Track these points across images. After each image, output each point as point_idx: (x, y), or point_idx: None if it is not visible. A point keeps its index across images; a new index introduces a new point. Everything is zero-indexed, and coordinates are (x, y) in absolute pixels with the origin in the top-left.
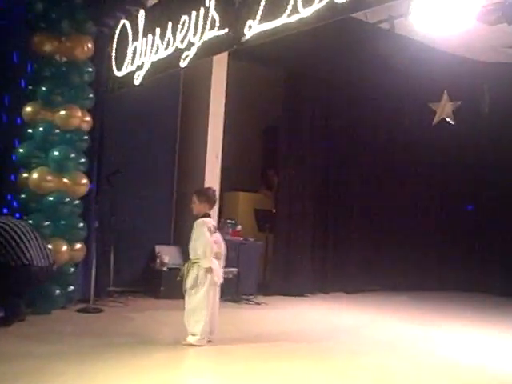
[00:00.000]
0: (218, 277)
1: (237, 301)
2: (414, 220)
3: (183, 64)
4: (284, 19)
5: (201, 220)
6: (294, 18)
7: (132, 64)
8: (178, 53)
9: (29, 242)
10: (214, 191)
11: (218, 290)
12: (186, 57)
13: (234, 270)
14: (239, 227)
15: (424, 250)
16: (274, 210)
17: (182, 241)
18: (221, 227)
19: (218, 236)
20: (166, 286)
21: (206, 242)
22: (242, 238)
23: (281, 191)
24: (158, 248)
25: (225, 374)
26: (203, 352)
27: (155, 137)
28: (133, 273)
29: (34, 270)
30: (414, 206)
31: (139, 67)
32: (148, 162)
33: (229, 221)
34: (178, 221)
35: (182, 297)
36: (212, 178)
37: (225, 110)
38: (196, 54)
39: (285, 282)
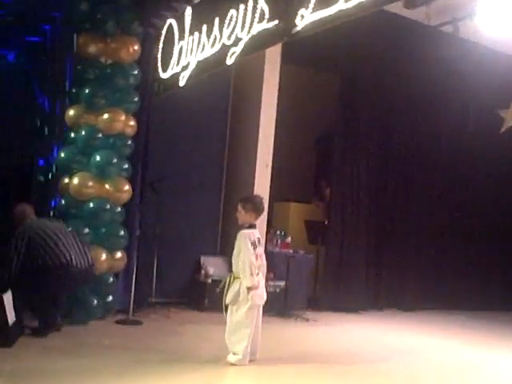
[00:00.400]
0: (260, 297)
1: (284, 316)
2: (477, 236)
3: (230, 61)
4: (340, 5)
5: (245, 232)
6: (352, 3)
7: (178, 65)
8: (225, 50)
9: (67, 242)
10: (262, 199)
11: (260, 309)
12: (233, 53)
13: (283, 283)
14: (289, 239)
15: (487, 267)
16: (326, 222)
17: (228, 252)
18: (270, 239)
19: (261, 250)
20: (210, 298)
21: (248, 259)
22: (291, 251)
23: (334, 202)
24: (203, 259)
25: None
26: (244, 372)
27: (203, 143)
28: (176, 284)
29: (73, 271)
30: (477, 221)
31: (185, 67)
32: (194, 169)
33: (278, 232)
34: (225, 231)
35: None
36: (262, 188)
37: (276, 118)
38: (243, 49)
39: (336, 297)
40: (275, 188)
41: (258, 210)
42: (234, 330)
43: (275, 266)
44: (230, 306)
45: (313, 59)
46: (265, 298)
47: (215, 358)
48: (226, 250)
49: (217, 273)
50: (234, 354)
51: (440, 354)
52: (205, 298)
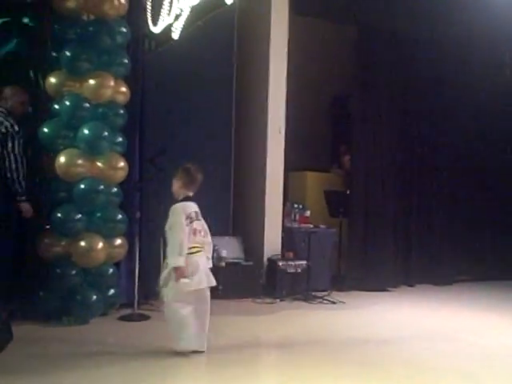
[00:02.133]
0: (198, 282)
1: (308, 299)
2: None
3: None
4: None
5: (178, 205)
6: None
7: (169, 14)
8: None
9: None
10: (195, 168)
11: (207, 292)
12: None
13: (304, 263)
14: (308, 212)
15: None
16: (348, 192)
17: (242, 231)
18: (286, 213)
19: (202, 224)
20: (224, 284)
21: (178, 236)
22: (311, 226)
23: (355, 170)
24: (214, 240)
25: None
26: (266, 363)
27: (206, 108)
28: None
29: None
30: None
31: (177, 16)
32: (199, 139)
33: (296, 205)
34: (238, 208)
35: (243, 297)
36: (275, 156)
37: (287, 76)
38: None
39: (363, 274)
40: (289, 156)
41: (191, 181)
42: (168, 315)
43: (294, 243)
44: (163, 290)
45: (326, 9)
46: (208, 282)
47: (239, 357)
48: (239, 229)
49: (231, 255)
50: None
51: (486, 337)
52: (218, 283)
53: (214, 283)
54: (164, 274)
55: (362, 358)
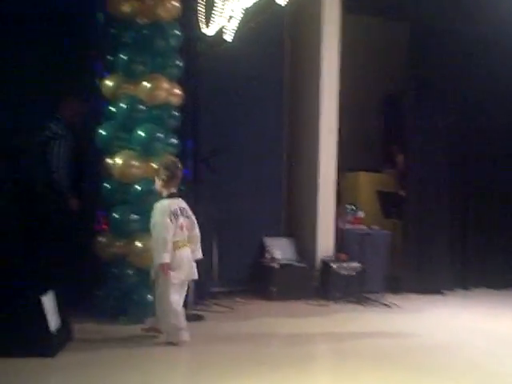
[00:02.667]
0: (178, 277)
1: (362, 302)
2: None
3: (281, 0)
4: None
5: (161, 202)
6: None
7: (222, 16)
8: None
9: None
10: (175, 163)
11: (186, 286)
12: None
13: (357, 265)
14: (361, 213)
15: None
16: (402, 192)
17: (295, 233)
18: (339, 214)
19: (187, 221)
20: (278, 285)
21: (161, 234)
22: (365, 227)
23: (409, 170)
24: (267, 241)
25: None
26: (319, 365)
27: (258, 109)
28: (239, 270)
29: None
30: None
31: (230, 18)
32: (252, 140)
33: (348, 206)
34: (290, 208)
35: (297, 298)
36: (327, 157)
37: (339, 76)
38: None
39: (418, 276)
40: (342, 156)
41: (171, 177)
42: (157, 307)
43: (348, 245)
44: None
45: (378, 6)
46: (190, 275)
47: (291, 360)
48: (292, 230)
49: (284, 256)
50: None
51: None
52: (272, 285)
53: (195, 276)
54: (154, 269)
55: (419, 363)
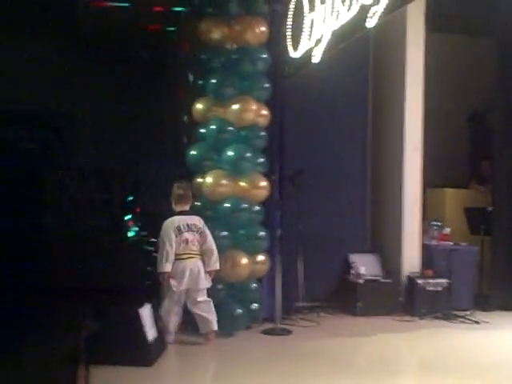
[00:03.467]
0: (178, 284)
1: (449, 318)
2: None
3: (370, 24)
4: None
5: (168, 220)
6: None
7: (310, 39)
8: (364, 11)
9: None
10: (179, 185)
11: (195, 294)
12: (374, 13)
13: (444, 281)
14: (447, 230)
15: None
16: (490, 208)
17: (380, 248)
18: (425, 230)
19: (196, 235)
20: (363, 301)
21: (163, 246)
22: (451, 243)
23: (498, 186)
24: (352, 257)
25: None
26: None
27: (343, 128)
28: (324, 286)
29: None
30: None
31: (318, 41)
32: (336, 159)
33: (434, 222)
34: (375, 225)
35: (382, 314)
36: (412, 174)
37: (423, 93)
38: (387, 6)
39: (508, 294)
40: (428, 173)
41: (179, 198)
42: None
43: (433, 261)
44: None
45: (462, 23)
46: (195, 284)
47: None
48: (377, 246)
49: (369, 272)
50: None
51: None
52: (357, 300)
53: (202, 286)
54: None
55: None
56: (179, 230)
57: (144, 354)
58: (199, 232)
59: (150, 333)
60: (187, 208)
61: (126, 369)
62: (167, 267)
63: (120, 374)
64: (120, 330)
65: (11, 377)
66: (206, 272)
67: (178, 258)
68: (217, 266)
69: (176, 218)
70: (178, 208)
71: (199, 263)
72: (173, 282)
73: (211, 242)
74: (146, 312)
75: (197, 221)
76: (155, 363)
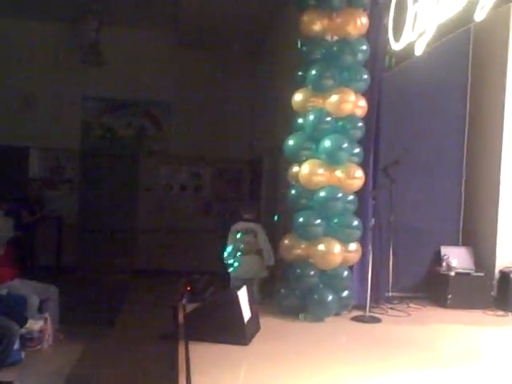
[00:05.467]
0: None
1: None
2: None
3: (479, 17)
4: None
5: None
6: None
7: (413, 31)
8: (472, 4)
9: None
10: (240, 208)
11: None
12: (483, 7)
13: None
14: None
15: None
16: None
17: (472, 241)
18: None
19: (248, 237)
20: (453, 293)
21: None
22: None
23: None
24: (443, 250)
25: None
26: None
27: (439, 121)
28: (414, 277)
29: None
30: None
31: (421, 34)
32: (431, 150)
33: None
34: (468, 217)
35: (473, 307)
36: (509, 166)
37: None
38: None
39: None
40: None
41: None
42: None
43: None
44: None
45: None
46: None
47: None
48: (469, 239)
49: (460, 265)
50: None
51: None
52: (448, 293)
53: (258, 275)
54: None
55: None
56: (238, 232)
57: (240, 334)
58: (254, 235)
59: (246, 314)
60: (249, 216)
61: (223, 346)
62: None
63: (218, 351)
64: (220, 310)
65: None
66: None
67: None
68: (271, 262)
69: (241, 223)
70: (244, 216)
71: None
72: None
73: (264, 243)
74: (242, 294)
75: (254, 226)
76: (250, 343)
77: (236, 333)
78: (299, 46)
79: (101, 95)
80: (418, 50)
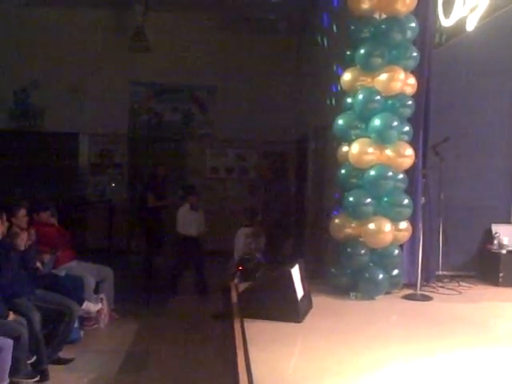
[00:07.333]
0: None
1: None
2: None
3: None
4: None
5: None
6: None
7: (464, 6)
8: None
9: None
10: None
11: None
12: None
13: None
14: None
15: None
16: None
17: None
18: None
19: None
20: (505, 271)
21: None
22: None
23: None
24: (494, 227)
25: None
26: None
27: (489, 98)
28: (464, 255)
29: None
30: None
31: (473, 9)
32: (481, 128)
33: None
34: None
35: None
36: None
37: None
38: None
39: None
40: None
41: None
42: None
43: None
44: None
45: None
46: None
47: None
48: None
49: None
50: None
51: None
52: (500, 271)
53: None
54: None
55: None
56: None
57: (294, 311)
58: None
59: (299, 291)
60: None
61: (277, 324)
62: None
63: (272, 329)
64: (274, 288)
65: (171, 330)
66: None
67: None
68: None
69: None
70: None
71: None
72: None
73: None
74: (295, 272)
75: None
76: (303, 320)
77: (290, 310)
78: (348, 25)
79: (148, 80)
80: (470, 26)
